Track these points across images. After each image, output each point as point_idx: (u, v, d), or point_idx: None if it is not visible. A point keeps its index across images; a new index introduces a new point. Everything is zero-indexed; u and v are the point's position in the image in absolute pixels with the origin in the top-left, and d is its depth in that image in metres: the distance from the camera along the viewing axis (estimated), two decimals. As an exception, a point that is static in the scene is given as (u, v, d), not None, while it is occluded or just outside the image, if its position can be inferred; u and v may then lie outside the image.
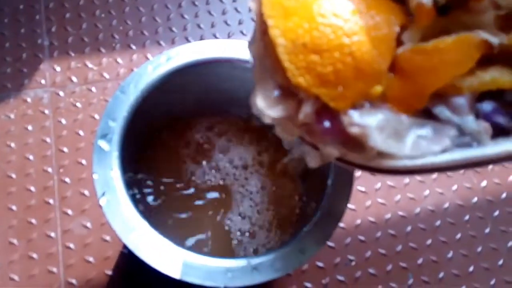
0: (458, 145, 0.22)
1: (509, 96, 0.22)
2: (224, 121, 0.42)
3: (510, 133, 0.21)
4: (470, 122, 0.22)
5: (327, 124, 0.23)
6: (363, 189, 0.49)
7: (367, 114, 0.22)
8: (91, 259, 0.43)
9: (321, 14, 0.21)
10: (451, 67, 0.21)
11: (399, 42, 0.22)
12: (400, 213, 0.48)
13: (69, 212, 0.45)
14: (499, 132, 0.22)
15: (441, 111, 0.22)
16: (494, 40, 0.20)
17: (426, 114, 0.22)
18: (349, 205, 0.48)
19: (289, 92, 0.23)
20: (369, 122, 0.22)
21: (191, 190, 0.38)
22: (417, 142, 0.22)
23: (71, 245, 0.44)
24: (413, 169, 0.22)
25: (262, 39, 0.23)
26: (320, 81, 0.22)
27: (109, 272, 0.43)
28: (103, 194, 0.32)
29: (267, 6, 0.22)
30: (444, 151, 0.22)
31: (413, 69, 0.22)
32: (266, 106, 0.24)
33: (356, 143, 0.22)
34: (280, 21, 0.22)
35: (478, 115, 0.22)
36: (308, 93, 0.22)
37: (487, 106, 0.22)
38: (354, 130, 0.22)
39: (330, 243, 0.46)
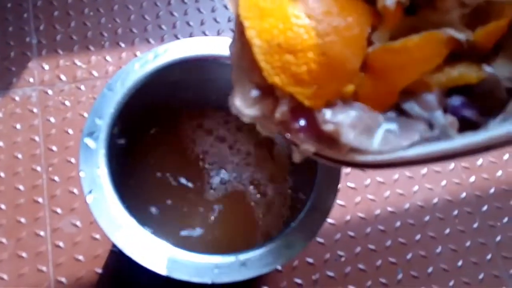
0: (427, 139, 0.22)
1: (477, 90, 0.22)
2: (212, 118, 0.42)
3: (478, 127, 0.22)
4: (438, 117, 0.22)
5: (302, 122, 0.24)
6: (352, 185, 0.49)
7: (340, 112, 0.23)
8: (80, 257, 0.43)
9: (295, 15, 0.22)
10: (419, 64, 0.22)
11: (369, 42, 0.22)
12: (390, 208, 0.48)
13: (58, 210, 0.45)
14: (468, 125, 0.22)
15: (411, 106, 0.23)
16: (461, 36, 0.21)
17: (397, 110, 0.23)
18: (338, 201, 0.49)
19: (266, 92, 0.24)
20: (342, 119, 0.22)
21: (180, 185, 0.38)
22: (386, 137, 0.22)
23: (61, 244, 0.44)
24: (384, 163, 0.23)
25: (240, 40, 0.24)
26: (294, 80, 0.22)
27: (99, 270, 0.43)
28: (90, 191, 0.32)
29: (243, 8, 0.23)
30: (413, 145, 0.22)
31: (382, 67, 0.22)
32: (244, 106, 0.25)
33: (331, 139, 0.23)
34: (256, 22, 0.23)
35: (448, 109, 0.22)
36: (283, 92, 0.23)
37: (455, 100, 0.23)
38: (327, 128, 0.23)
39: (320, 239, 0.46)
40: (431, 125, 0.22)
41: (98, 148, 0.34)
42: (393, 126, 0.23)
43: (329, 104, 0.23)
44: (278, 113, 0.24)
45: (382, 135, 0.22)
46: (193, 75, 0.38)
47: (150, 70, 0.36)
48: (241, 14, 0.23)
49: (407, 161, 0.22)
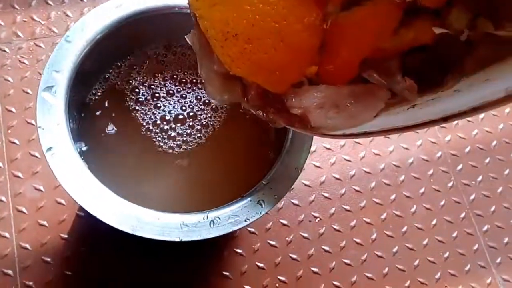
0: (392, 105, 0.23)
1: (435, 45, 0.22)
2: (176, 67, 0.39)
3: (440, 85, 0.22)
4: (397, 82, 0.22)
5: (271, 109, 0.25)
6: (328, 146, 0.48)
7: (305, 95, 0.23)
8: (44, 222, 0.41)
9: (248, 2, 0.21)
10: (374, 32, 0.21)
11: (325, 18, 0.22)
12: (365, 169, 0.48)
13: (20, 174, 0.43)
14: (429, 83, 0.22)
15: (371, 75, 0.23)
16: None
17: (360, 80, 0.23)
18: (313, 162, 0.48)
19: (233, 77, 0.24)
20: (308, 103, 0.23)
21: (141, 137, 0.36)
22: (352, 111, 0.23)
23: (23, 209, 0.42)
24: (353, 135, 0.24)
25: (197, 29, 0.24)
26: (256, 69, 0.22)
27: (65, 235, 0.41)
28: (50, 149, 0.30)
29: None
30: (379, 114, 0.23)
31: (339, 42, 0.22)
32: (215, 94, 0.26)
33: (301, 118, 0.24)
34: (208, 11, 0.22)
35: (407, 71, 0.22)
36: (247, 80, 0.23)
37: (414, 60, 0.23)
38: (295, 112, 0.24)
39: (294, 201, 0.45)
40: (392, 92, 0.23)
41: (57, 103, 0.31)
42: (356, 98, 0.23)
43: (296, 86, 0.23)
44: (248, 104, 0.25)
45: (348, 110, 0.23)
46: (157, 25, 0.36)
47: (112, 21, 0.34)
48: (191, 4, 0.22)
49: (374, 132, 0.23)
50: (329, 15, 0.22)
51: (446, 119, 0.20)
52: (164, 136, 0.35)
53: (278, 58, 0.22)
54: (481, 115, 0.51)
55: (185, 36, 0.26)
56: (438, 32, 0.20)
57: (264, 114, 0.26)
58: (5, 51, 0.47)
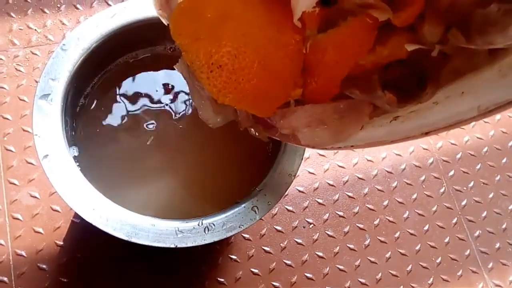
0: (375, 115, 0.24)
1: (411, 58, 0.23)
2: (168, 73, 0.39)
3: (420, 96, 0.22)
4: (378, 97, 0.23)
5: (262, 127, 0.26)
6: (321, 152, 0.49)
7: (293, 116, 0.24)
8: (40, 229, 0.42)
9: (229, 35, 0.22)
10: (350, 53, 0.22)
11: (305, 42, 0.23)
12: (358, 175, 0.48)
13: (16, 182, 0.43)
14: (409, 94, 0.23)
15: (353, 92, 0.23)
16: (382, 17, 0.21)
17: (343, 95, 0.24)
18: (307, 169, 0.48)
19: None
20: (296, 123, 0.24)
21: (136, 143, 0.36)
22: (338, 126, 0.24)
23: (19, 216, 0.42)
24: (342, 148, 0.25)
25: (184, 60, 0.25)
26: (242, 97, 0.23)
27: (60, 242, 0.41)
28: (46, 156, 0.31)
29: (175, 32, 0.23)
30: (365, 127, 0.24)
31: (319, 64, 0.23)
32: (209, 117, 0.27)
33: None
34: (191, 45, 0.22)
35: (389, 83, 0.23)
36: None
37: (392, 73, 0.23)
38: (285, 132, 0.25)
39: (288, 207, 0.46)
40: (375, 105, 0.23)
41: (53, 111, 0.32)
42: (340, 114, 0.24)
43: (283, 106, 0.24)
44: (240, 125, 0.27)
45: (334, 125, 0.24)
46: (152, 34, 0.36)
47: (108, 30, 0.34)
48: (175, 40, 0.23)
49: (359, 146, 0.24)
50: (307, 38, 0.23)
51: (426, 133, 0.21)
52: (160, 142, 0.36)
53: (262, 86, 0.23)
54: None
55: (174, 66, 0.27)
56: (410, 49, 0.21)
57: (256, 133, 0.28)
58: (1, 59, 0.47)
